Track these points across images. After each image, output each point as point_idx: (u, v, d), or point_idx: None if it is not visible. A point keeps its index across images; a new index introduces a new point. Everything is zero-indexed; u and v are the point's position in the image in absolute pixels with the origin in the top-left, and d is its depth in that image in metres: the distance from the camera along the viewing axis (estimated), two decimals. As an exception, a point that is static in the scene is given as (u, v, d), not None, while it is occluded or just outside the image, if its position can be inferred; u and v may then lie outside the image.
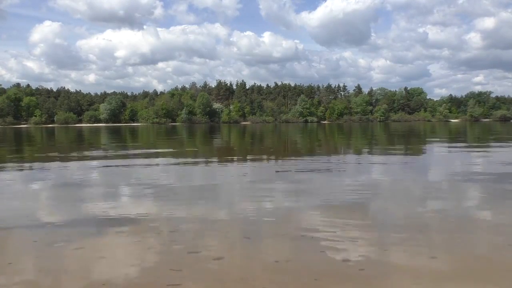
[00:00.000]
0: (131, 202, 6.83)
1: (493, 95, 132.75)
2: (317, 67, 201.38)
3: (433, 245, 4.39)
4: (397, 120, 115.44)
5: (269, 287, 3.41)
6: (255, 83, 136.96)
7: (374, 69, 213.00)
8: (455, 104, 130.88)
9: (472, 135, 31.99)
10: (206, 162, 13.63)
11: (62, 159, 14.44)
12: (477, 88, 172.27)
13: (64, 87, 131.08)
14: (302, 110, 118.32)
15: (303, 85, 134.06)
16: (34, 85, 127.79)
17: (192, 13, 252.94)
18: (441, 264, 3.83)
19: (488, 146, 19.58)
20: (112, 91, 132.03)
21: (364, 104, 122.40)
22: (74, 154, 17.31)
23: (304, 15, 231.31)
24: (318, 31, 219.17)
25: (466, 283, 3.47)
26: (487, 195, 7.11)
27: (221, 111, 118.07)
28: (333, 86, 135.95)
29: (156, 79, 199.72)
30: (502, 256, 4.05)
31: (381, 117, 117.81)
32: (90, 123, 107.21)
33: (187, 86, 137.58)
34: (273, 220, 5.53)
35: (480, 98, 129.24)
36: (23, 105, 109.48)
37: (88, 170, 11.34)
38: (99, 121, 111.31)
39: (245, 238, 4.71)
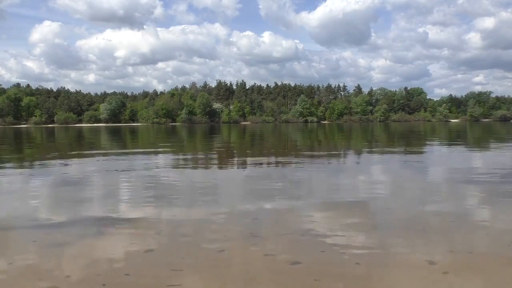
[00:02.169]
0: (131, 202, 6.82)
1: (493, 95, 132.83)
2: (317, 67, 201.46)
3: (434, 245, 4.38)
4: (397, 120, 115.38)
5: (270, 287, 3.41)
6: (255, 83, 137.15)
7: (374, 69, 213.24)
8: (455, 104, 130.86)
9: (479, 136, 31.97)
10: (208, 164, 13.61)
11: (62, 159, 14.43)
12: (477, 88, 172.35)
13: (64, 87, 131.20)
14: (302, 110, 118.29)
15: (303, 85, 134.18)
16: (34, 85, 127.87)
17: (192, 13, 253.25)
18: (442, 265, 3.83)
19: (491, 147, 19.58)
20: (112, 91, 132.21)
21: (364, 104, 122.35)
22: (75, 154, 17.30)
23: (304, 15, 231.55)
24: (318, 31, 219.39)
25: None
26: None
27: (221, 111, 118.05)
28: (333, 86, 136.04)
29: (156, 79, 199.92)
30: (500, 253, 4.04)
31: (381, 117, 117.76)
32: (90, 123, 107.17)
33: (187, 86, 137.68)
34: (273, 219, 5.53)
35: (480, 98, 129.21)
36: (23, 105, 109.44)
37: (88, 171, 11.33)
38: (99, 121, 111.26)
39: (245, 238, 4.70)
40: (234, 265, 3.89)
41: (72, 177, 9.95)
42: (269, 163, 12.81)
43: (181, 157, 15.87)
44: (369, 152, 17.21)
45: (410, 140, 25.26)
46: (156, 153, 17.41)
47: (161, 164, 13.03)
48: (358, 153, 16.88)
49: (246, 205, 6.52)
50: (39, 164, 12.89)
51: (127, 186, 8.52)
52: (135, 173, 10.61)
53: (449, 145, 20.92)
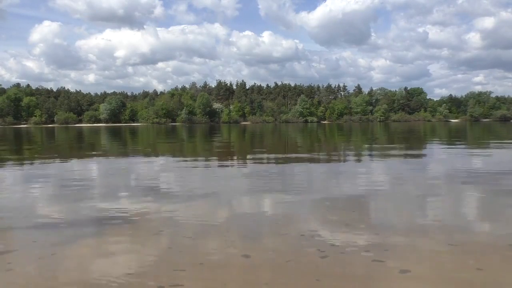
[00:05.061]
0: (132, 202, 6.81)
1: (493, 95, 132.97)
2: (317, 67, 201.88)
3: (434, 245, 4.38)
4: (397, 120, 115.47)
5: (270, 287, 3.41)
6: (255, 83, 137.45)
7: (374, 69, 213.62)
8: (455, 104, 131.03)
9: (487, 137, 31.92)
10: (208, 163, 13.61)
11: (62, 160, 14.43)
12: (477, 88, 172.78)
13: (64, 87, 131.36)
14: (302, 110, 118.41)
15: (303, 85, 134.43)
16: (34, 85, 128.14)
17: (191, 13, 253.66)
18: (442, 265, 3.83)
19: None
20: (112, 91, 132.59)
21: (364, 104, 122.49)
22: (75, 154, 17.30)
23: (304, 15, 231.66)
24: (318, 31, 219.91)
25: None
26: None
27: (221, 111, 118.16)
28: (333, 86, 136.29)
29: (156, 79, 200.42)
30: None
31: (381, 117, 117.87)
32: (90, 123, 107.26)
33: (187, 86, 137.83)
34: (273, 219, 5.52)
35: (480, 98, 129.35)
36: (23, 105, 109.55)
37: (89, 171, 11.33)
38: (99, 121, 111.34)
39: (245, 238, 4.70)
40: (234, 265, 3.89)
41: (72, 177, 9.94)
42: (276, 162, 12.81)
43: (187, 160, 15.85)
44: (372, 152, 17.21)
45: (417, 141, 25.25)
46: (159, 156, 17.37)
47: (163, 163, 13.02)
48: (365, 153, 16.88)
49: (247, 205, 6.51)
50: (39, 165, 12.88)
51: (128, 186, 8.51)
52: (137, 174, 10.61)
53: (453, 145, 20.92)
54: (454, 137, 29.88)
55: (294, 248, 4.30)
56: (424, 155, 15.82)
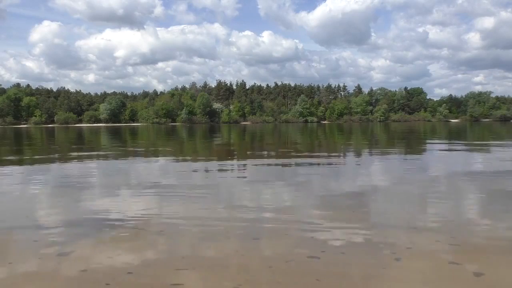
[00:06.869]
0: (132, 202, 6.81)
1: (493, 95, 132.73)
2: (317, 67, 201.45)
3: (435, 245, 4.38)
4: (397, 120, 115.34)
5: (271, 287, 3.41)
6: (255, 83, 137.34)
7: (374, 69, 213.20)
8: (455, 104, 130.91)
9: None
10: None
11: (62, 160, 14.43)
12: (477, 88, 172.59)
13: (64, 87, 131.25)
14: (302, 110, 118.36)
15: (303, 85, 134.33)
16: (34, 85, 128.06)
17: (191, 13, 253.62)
18: (442, 265, 3.83)
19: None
20: (112, 91, 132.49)
21: (364, 104, 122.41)
22: (75, 155, 17.29)
23: (303, 15, 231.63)
24: (318, 31, 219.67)
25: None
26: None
27: (221, 111, 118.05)
28: (333, 86, 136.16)
29: (156, 79, 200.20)
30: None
31: (381, 117, 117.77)
32: (90, 123, 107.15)
33: (187, 86, 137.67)
34: (273, 219, 5.52)
35: (480, 98, 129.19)
36: (23, 105, 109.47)
37: (88, 171, 11.33)
38: (99, 121, 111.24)
39: (246, 238, 4.70)
40: (235, 265, 3.89)
41: (72, 177, 9.94)
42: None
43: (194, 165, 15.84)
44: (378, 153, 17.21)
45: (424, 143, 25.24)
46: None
47: (162, 160, 13.02)
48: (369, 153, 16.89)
49: (247, 203, 6.51)
50: (39, 165, 12.89)
51: (127, 186, 8.51)
52: (138, 170, 10.60)
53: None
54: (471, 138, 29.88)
55: (294, 248, 4.29)
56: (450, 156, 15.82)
